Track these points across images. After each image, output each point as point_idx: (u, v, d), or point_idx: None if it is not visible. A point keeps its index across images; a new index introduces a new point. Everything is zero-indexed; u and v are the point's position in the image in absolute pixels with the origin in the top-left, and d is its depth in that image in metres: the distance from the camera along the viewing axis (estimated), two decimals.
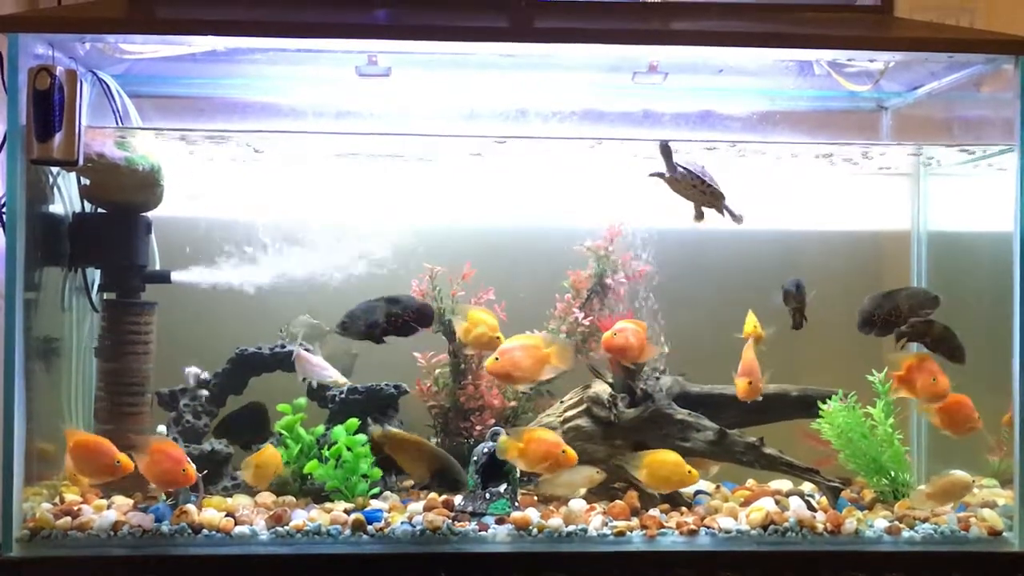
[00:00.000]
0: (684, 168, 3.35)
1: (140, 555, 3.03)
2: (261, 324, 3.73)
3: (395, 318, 3.31)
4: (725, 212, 3.42)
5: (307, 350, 3.52)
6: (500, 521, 3.20)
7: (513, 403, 3.70)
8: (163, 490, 3.18)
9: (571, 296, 3.78)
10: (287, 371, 3.71)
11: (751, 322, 3.54)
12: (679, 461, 3.29)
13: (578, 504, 3.33)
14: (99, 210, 3.56)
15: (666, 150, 3.33)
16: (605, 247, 3.77)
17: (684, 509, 3.39)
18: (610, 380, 3.61)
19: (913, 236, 4.08)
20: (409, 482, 3.54)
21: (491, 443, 3.36)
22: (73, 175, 3.46)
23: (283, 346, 3.70)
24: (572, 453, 3.23)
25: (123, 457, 3.10)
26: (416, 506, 3.32)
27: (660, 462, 3.30)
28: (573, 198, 3.85)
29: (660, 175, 3.36)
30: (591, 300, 3.76)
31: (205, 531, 3.10)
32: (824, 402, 3.55)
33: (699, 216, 3.43)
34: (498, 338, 3.36)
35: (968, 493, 3.40)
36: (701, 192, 3.37)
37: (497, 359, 3.24)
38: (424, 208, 3.85)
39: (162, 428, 3.52)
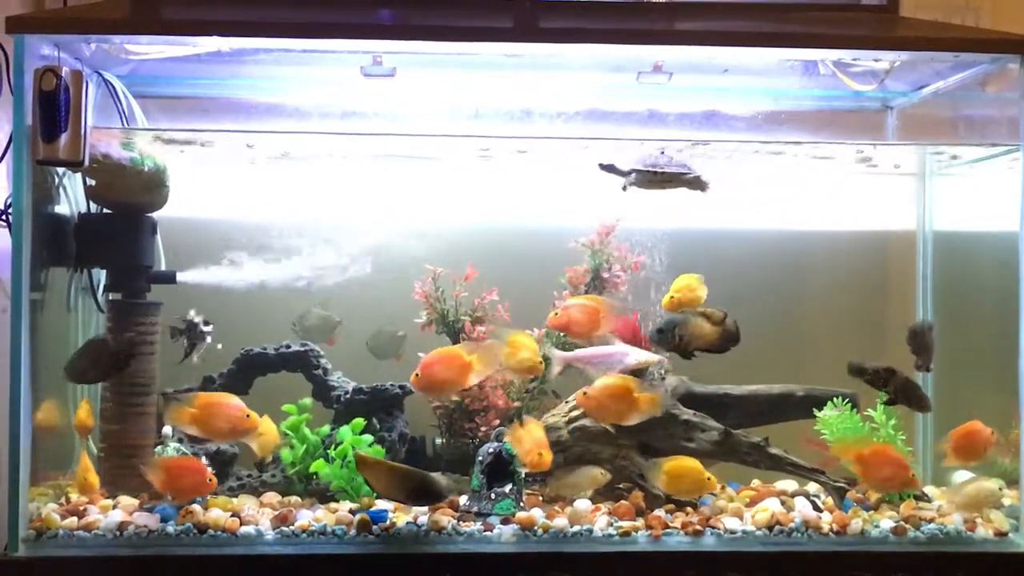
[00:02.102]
0: (635, 170, 3.37)
1: (146, 555, 3.04)
2: (266, 324, 3.73)
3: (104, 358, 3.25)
4: (690, 186, 3.42)
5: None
6: (505, 521, 3.20)
7: (517, 403, 3.70)
8: (185, 501, 3.20)
9: (568, 292, 3.78)
10: (292, 371, 3.72)
11: (682, 286, 3.42)
12: (699, 468, 3.27)
13: (583, 504, 3.32)
14: (104, 210, 3.57)
15: (604, 167, 3.37)
16: (599, 242, 3.76)
17: (689, 509, 3.39)
18: None
19: (919, 236, 4.08)
20: None
21: (496, 443, 3.35)
22: (79, 175, 3.46)
23: (288, 346, 3.71)
24: (548, 457, 3.18)
25: (252, 414, 3.17)
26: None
27: (679, 468, 3.28)
28: (576, 197, 3.85)
29: (628, 183, 3.39)
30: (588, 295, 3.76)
31: (211, 531, 3.10)
32: (824, 406, 3.55)
33: (692, 188, 3.44)
34: (540, 362, 3.34)
35: (998, 500, 3.37)
36: (661, 182, 3.38)
37: (418, 375, 3.18)
38: (427, 207, 3.85)
39: (168, 429, 3.52)
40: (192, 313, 3.53)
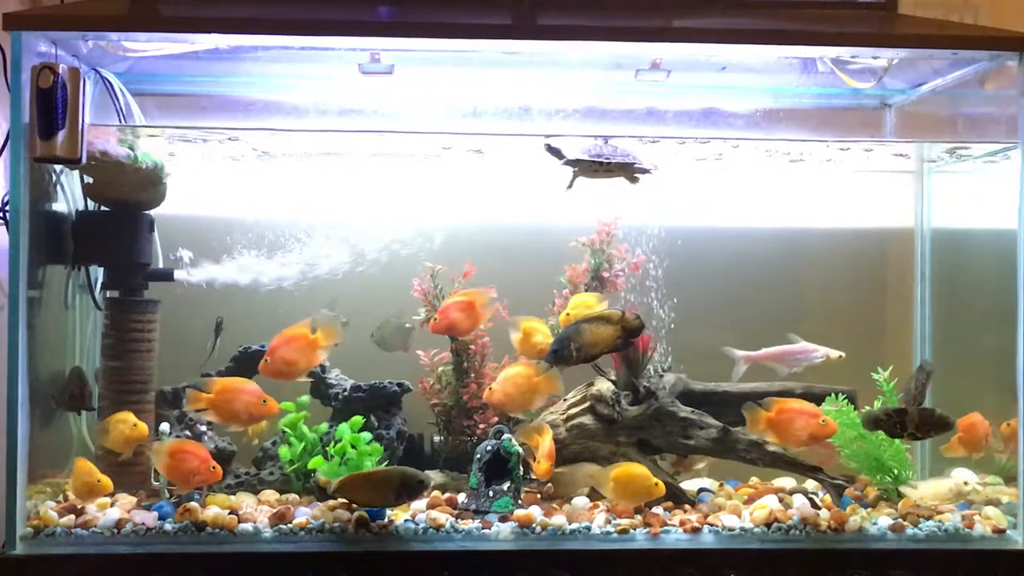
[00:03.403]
0: (577, 158, 3.35)
1: (143, 553, 3.03)
2: (264, 322, 3.72)
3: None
4: (635, 177, 3.41)
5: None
6: (503, 519, 3.20)
7: None
8: (189, 489, 3.21)
9: (568, 291, 3.78)
10: None
11: (577, 304, 3.46)
12: (645, 474, 3.24)
13: (581, 501, 3.33)
14: (102, 208, 3.56)
15: (550, 149, 3.36)
16: (600, 241, 3.76)
17: (688, 507, 3.39)
18: (613, 378, 3.61)
19: (917, 233, 4.08)
20: None
21: (494, 441, 3.36)
22: (76, 173, 3.46)
23: None
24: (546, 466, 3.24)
25: (269, 399, 3.20)
26: (419, 504, 3.32)
27: (626, 475, 3.24)
28: (574, 194, 3.84)
29: (572, 168, 3.38)
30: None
31: (208, 529, 3.10)
32: (822, 403, 3.55)
33: (633, 180, 3.42)
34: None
35: (965, 496, 3.39)
36: (607, 171, 3.37)
37: (267, 361, 3.20)
38: (425, 205, 3.85)
39: (165, 426, 3.52)
40: None
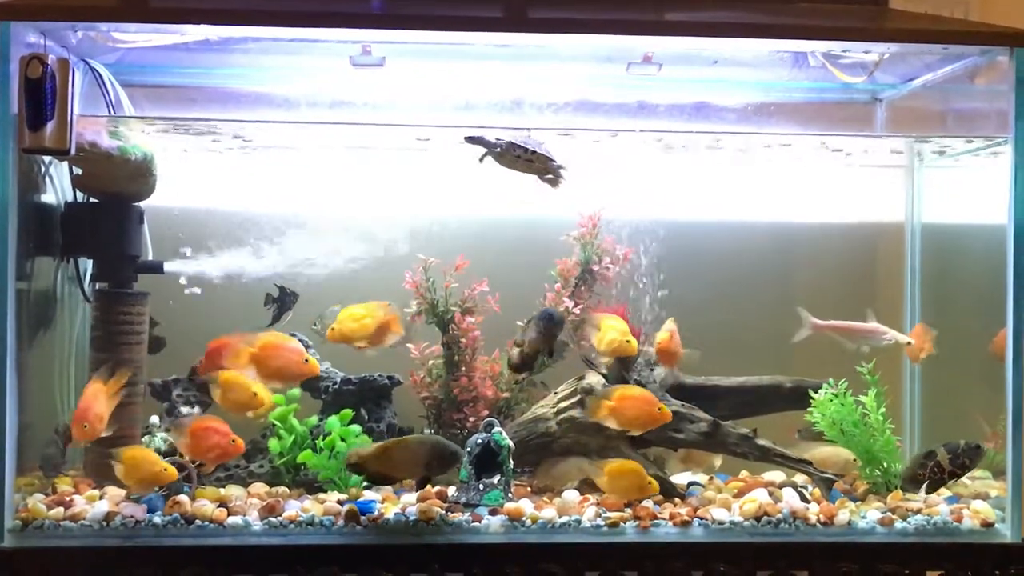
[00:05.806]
0: (510, 142, 3.34)
1: (133, 546, 3.03)
2: (253, 315, 3.72)
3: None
4: (552, 173, 3.40)
5: None
6: (494, 512, 3.20)
7: (506, 394, 3.70)
8: (214, 466, 3.23)
9: (560, 285, 3.78)
10: None
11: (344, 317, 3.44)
12: (639, 471, 3.25)
13: (571, 495, 3.33)
14: (91, 200, 3.55)
15: (472, 140, 3.34)
16: (588, 234, 3.76)
17: (678, 500, 3.39)
18: (604, 371, 3.60)
19: (907, 228, 4.09)
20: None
21: (485, 434, 3.35)
22: (65, 164, 3.45)
23: None
24: (667, 411, 3.27)
25: (311, 359, 3.26)
26: (409, 497, 3.32)
27: (620, 471, 3.26)
28: (568, 188, 3.85)
29: (488, 154, 3.36)
30: (579, 288, 3.76)
31: (198, 522, 3.10)
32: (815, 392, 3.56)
33: (554, 183, 3.41)
34: (629, 342, 3.36)
35: (852, 467, 3.48)
36: (528, 161, 3.36)
37: (85, 427, 3.12)
38: (416, 199, 3.84)
39: (155, 419, 3.51)
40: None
